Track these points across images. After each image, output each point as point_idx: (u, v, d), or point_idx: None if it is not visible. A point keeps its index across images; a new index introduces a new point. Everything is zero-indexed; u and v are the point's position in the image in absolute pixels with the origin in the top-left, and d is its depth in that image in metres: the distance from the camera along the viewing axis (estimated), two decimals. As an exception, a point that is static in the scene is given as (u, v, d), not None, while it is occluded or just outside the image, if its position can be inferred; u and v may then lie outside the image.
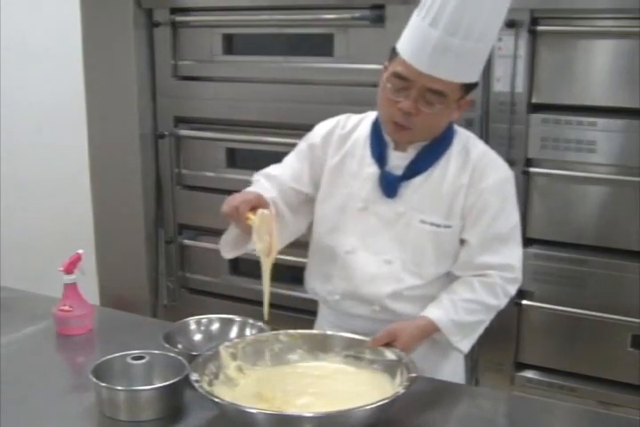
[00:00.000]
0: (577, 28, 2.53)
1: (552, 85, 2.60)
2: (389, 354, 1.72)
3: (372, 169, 1.90)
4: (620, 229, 2.60)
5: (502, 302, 1.89)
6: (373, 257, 1.91)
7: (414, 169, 1.87)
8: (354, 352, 1.76)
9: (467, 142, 1.90)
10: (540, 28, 2.54)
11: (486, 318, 1.90)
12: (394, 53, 1.79)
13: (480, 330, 1.90)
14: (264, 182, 1.97)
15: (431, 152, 1.87)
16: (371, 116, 1.96)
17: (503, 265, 1.87)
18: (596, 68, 2.52)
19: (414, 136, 1.83)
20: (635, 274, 2.57)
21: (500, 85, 2.63)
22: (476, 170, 1.85)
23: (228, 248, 1.92)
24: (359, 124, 1.95)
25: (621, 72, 2.49)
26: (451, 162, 1.86)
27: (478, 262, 1.87)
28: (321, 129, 1.99)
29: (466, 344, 1.88)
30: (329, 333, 1.83)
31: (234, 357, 1.68)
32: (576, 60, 2.54)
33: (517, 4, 2.54)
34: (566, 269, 2.67)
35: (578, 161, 2.59)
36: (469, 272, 1.89)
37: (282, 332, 1.80)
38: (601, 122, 2.53)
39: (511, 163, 2.63)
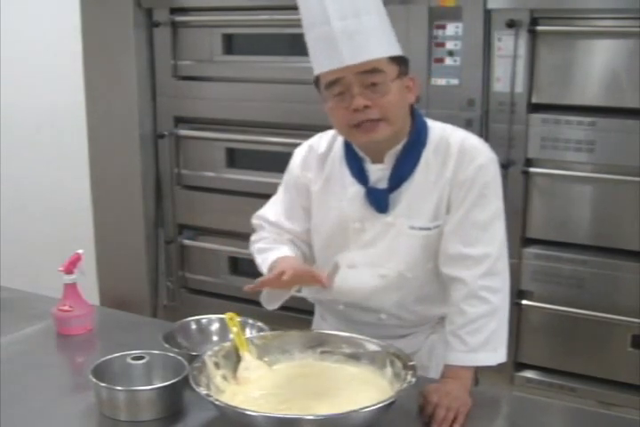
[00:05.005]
0: (577, 28, 2.53)
1: (552, 85, 2.60)
2: (370, 345, 1.71)
3: (355, 188, 1.86)
4: (619, 229, 2.60)
5: (496, 299, 1.79)
6: (371, 272, 1.89)
7: (397, 178, 1.82)
8: (329, 348, 1.75)
9: (442, 135, 1.84)
10: (539, 28, 2.54)
11: (497, 324, 1.79)
12: (317, 81, 1.80)
13: (501, 335, 1.81)
14: (268, 228, 1.98)
15: (408, 155, 1.82)
16: None
17: (479, 257, 1.79)
18: (595, 68, 2.52)
19: (386, 128, 1.76)
20: (634, 274, 2.57)
21: (499, 85, 2.63)
22: (457, 159, 1.80)
23: (269, 302, 1.90)
24: (334, 143, 1.92)
25: (621, 72, 2.49)
26: (430, 161, 1.82)
27: (454, 252, 1.80)
28: (297, 157, 1.97)
29: (499, 356, 1.79)
30: (300, 331, 1.81)
31: (217, 366, 1.68)
32: (576, 60, 2.54)
33: (517, 4, 2.57)
34: (566, 269, 2.67)
35: (577, 161, 2.59)
36: (448, 266, 1.82)
37: (255, 335, 1.80)
38: (600, 122, 2.53)
39: (511, 163, 2.64)
